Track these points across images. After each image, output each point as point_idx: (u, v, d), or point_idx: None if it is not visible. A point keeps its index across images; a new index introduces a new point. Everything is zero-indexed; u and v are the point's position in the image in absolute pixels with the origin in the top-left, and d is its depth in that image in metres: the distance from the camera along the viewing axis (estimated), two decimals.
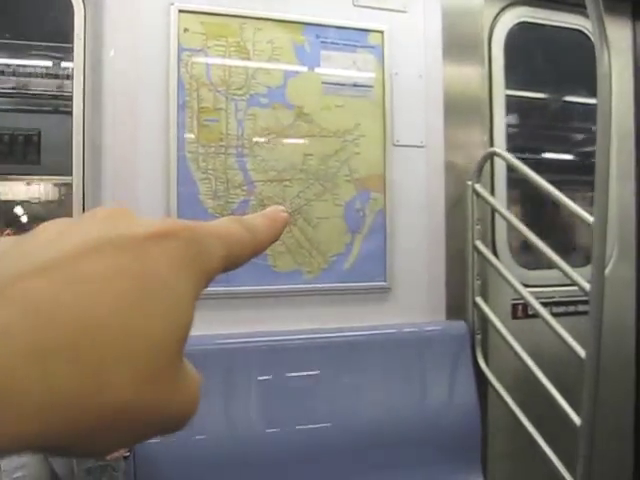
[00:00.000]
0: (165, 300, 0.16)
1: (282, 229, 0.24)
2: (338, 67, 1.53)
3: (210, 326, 1.42)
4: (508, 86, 1.78)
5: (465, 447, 1.47)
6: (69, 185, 1.35)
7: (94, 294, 0.15)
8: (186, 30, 1.42)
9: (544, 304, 1.49)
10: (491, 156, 1.64)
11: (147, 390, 0.15)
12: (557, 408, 1.29)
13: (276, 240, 0.23)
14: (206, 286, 0.19)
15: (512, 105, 1.83)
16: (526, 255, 1.78)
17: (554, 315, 1.39)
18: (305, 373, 1.44)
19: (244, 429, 1.35)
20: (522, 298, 1.47)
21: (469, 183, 1.66)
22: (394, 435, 1.42)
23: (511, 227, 1.59)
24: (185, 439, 1.29)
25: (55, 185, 4.27)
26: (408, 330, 1.59)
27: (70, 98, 1.37)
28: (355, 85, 1.55)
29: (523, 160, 1.49)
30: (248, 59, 1.46)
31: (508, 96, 1.79)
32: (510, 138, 1.80)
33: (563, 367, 1.38)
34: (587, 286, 1.22)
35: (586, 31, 1.80)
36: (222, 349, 1.41)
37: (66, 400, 0.14)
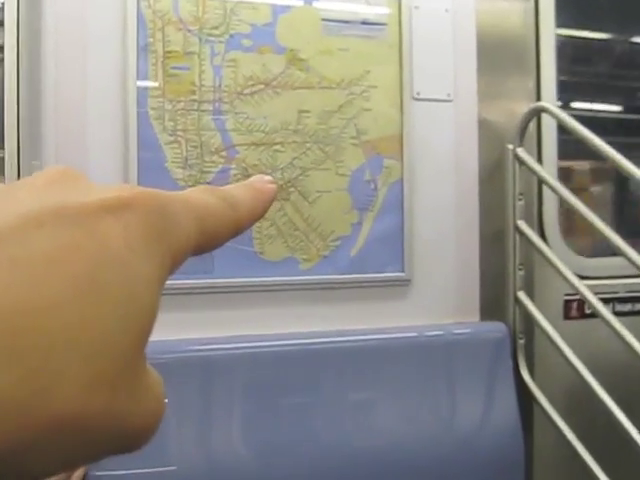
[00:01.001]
0: (123, 287, 0.16)
1: (269, 203, 0.24)
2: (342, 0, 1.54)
3: (182, 328, 1.43)
4: (560, 23, 1.76)
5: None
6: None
7: (33, 282, 0.15)
8: None
9: (605, 300, 1.49)
10: (538, 113, 1.61)
11: (99, 399, 0.15)
12: (621, 433, 1.27)
13: (261, 216, 0.24)
14: (174, 270, 0.19)
15: (565, 48, 1.81)
16: (582, 239, 1.78)
17: (617, 314, 1.42)
18: (302, 387, 1.45)
19: (225, 458, 1.35)
20: (577, 293, 1.46)
21: (509, 147, 1.64)
22: (413, 465, 1.43)
23: (563, 203, 1.58)
24: (152, 471, 1.28)
25: None
26: (432, 334, 1.59)
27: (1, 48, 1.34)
28: (364, 23, 1.55)
29: (579, 119, 1.47)
30: None
31: (560, 36, 1.76)
32: (562, 90, 1.77)
33: (629, 380, 1.42)
34: None
35: None
36: (197, 357, 1.42)
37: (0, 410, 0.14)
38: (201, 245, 0.20)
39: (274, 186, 0.25)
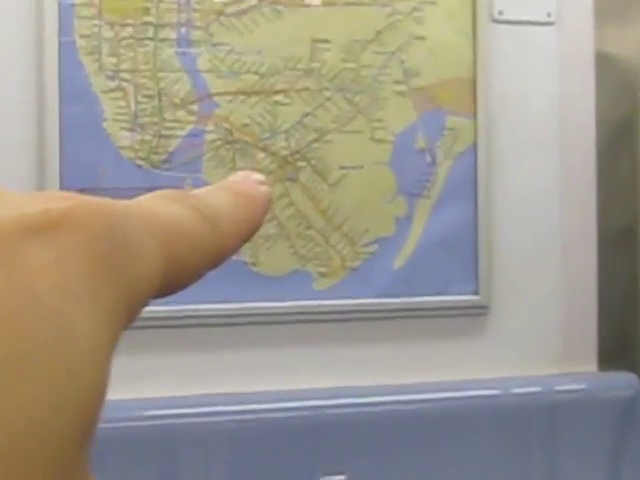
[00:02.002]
0: (53, 354, 0.16)
1: (262, 215, 0.25)
2: None
3: (130, 382, 1.44)
4: None
5: None
6: None
7: None
8: None
9: None
10: None
11: None
12: None
13: (251, 236, 0.25)
14: (130, 322, 0.19)
15: None
16: None
17: None
18: (317, 476, 1.46)
19: None
20: None
21: None
22: None
23: None
24: None
25: None
26: (524, 390, 1.56)
27: None
28: None
29: None
30: None
31: None
32: None
33: None
34: None
35: None
36: (154, 428, 1.42)
37: None
38: (169, 281, 0.21)
39: (267, 189, 0.26)
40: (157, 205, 0.21)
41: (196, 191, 0.24)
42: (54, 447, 0.16)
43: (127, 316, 0.19)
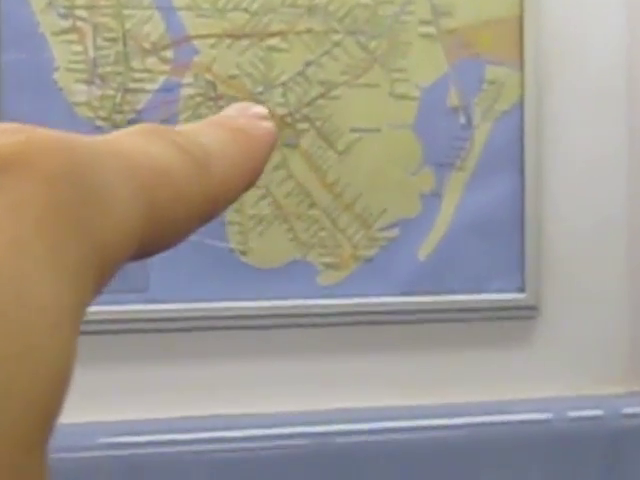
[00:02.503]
0: (7, 324, 0.16)
1: (264, 158, 0.26)
2: None
3: (90, 400, 1.46)
4: None
5: None
6: None
7: None
8: None
9: None
10: None
11: None
12: None
13: (252, 184, 0.26)
14: (103, 285, 0.20)
15: None
16: None
17: None
18: None
19: None
20: None
21: None
22: None
23: None
24: None
25: None
26: (584, 414, 1.56)
27: None
28: None
29: None
30: None
31: None
32: None
33: None
34: None
35: None
36: (125, 458, 1.44)
37: None
38: (151, 237, 0.22)
39: (270, 125, 0.27)
40: (135, 142, 0.22)
41: (183, 127, 0.25)
42: (4, 442, 0.16)
43: (97, 278, 0.19)
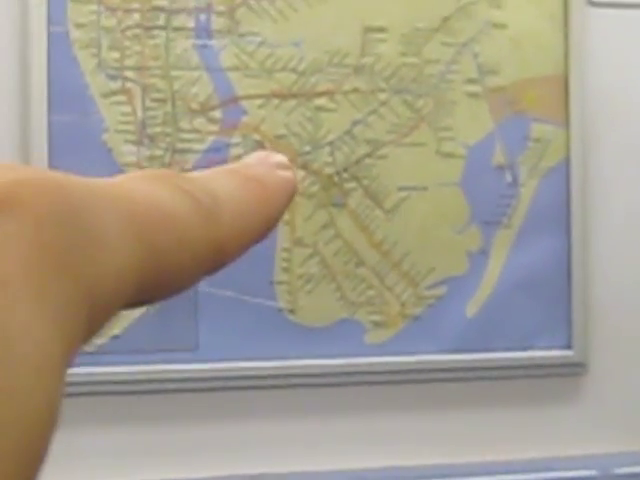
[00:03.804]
0: None
1: (280, 208, 0.25)
2: None
3: (127, 461, 1.46)
4: None
5: None
6: None
7: None
8: None
9: None
10: None
11: None
12: None
13: (264, 236, 0.25)
14: (93, 330, 0.19)
15: None
16: None
17: None
18: None
19: None
20: None
21: None
22: None
23: None
24: None
25: None
26: (630, 470, 1.57)
27: None
28: None
29: None
30: None
31: None
32: None
33: None
34: None
35: None
36: None
37: None
38: (149, 283, 0.21)
39: (289, 175, 0.26)
40: (137, 187, 0.21)
41: (194, 173, 0.24)
42: None
43: (87, 322, 0.19)
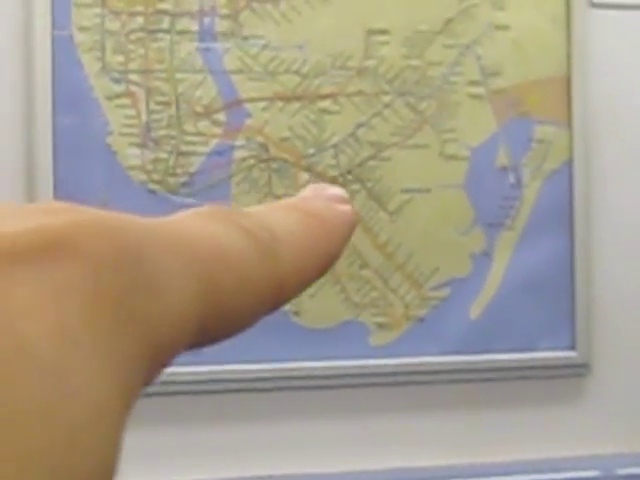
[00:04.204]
0: (49, 414, 0.16)
1: (341, 243, 0.25)
2: None
3: (138, 460, 1.46)
4: None
5: None
6: None
7: None
8: None
9: None
10: None
11: None
12: None
13: (326, 271, 0.25)
14: (153, 377, 0.19)
15: None
16: None
17: None
18: None
19: None
20: None
21: None
22: None
23: None
24: None
25: None
26: (633, 471, 1.56)
27: None
28: None
29: None
30: None
31: None
32: None
33: None
34: None
35: None
36: None
37: None
38: (210, 326, 0.21)
39: (349, 209, 0.26)
40: (195, 225, 0.21)
41: (251, 209, 0.24)
42: None
43: (147, 368, 0.18)
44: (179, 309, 0.19)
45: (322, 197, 0.25)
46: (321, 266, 0.24)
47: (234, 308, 0.21)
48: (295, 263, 0.23)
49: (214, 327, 0.21)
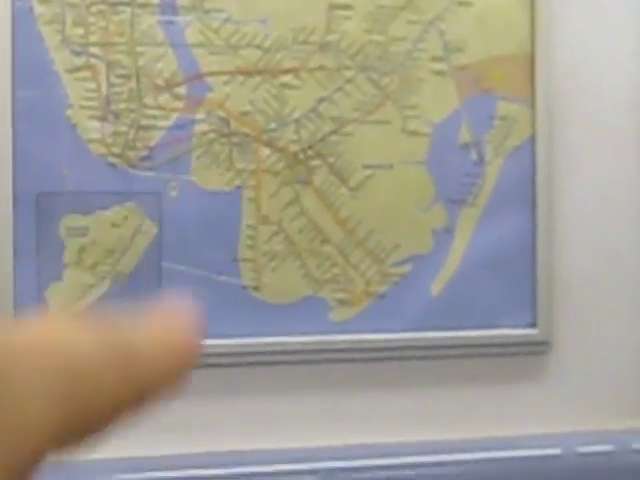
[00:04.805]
0: None
1: (186, 369, 0.26)
2: None
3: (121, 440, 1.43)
4: None
5: None
6: None
7: None
8: None
9: None
10: None
11: None
12: None
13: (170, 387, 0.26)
14: None
15: None
16: None
17: None
18: None
19: None
20: None
21: None
22: None
23: None
24: None
25: None
26: (593, 449, 1.56)
27: None
28: None
29: None
30: None
31: None
32: None
33: None
34: None
35: None
36: None
37: None
38: (72, 432, 0.22)
39: (198, 342, 0.26)
40: (55, 337, 0.22)
41: (108, 318, 0.24)
42: None
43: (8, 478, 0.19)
44: (35, 422, 0.19)
45: (170, 312, 0.26)
46: (173, 377, 0.24)
47: (94, 414, 0.22)
48: (156, 367, 0.24)
49: (77, 433, 0.21)
